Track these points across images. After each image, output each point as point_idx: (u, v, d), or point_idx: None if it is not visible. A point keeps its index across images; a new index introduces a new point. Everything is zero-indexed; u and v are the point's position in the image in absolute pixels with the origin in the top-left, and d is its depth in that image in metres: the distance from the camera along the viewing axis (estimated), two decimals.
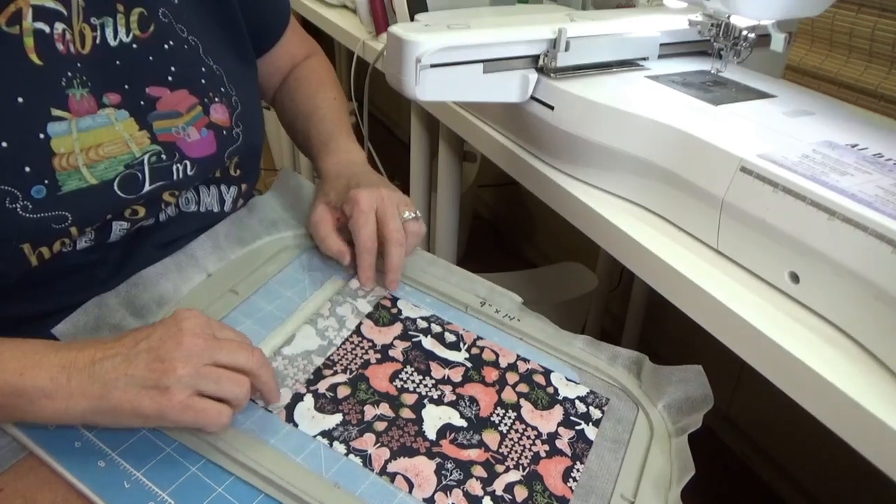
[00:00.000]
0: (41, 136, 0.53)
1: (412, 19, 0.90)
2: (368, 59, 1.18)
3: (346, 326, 0.61)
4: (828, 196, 0.50)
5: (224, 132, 0.65)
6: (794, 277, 0.53)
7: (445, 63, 0.67)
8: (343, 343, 0.60)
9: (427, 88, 0.67)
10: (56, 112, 0.54)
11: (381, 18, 1.14)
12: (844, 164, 0.55)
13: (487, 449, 0.53)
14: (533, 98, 0.72)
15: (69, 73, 0.55)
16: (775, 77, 0.77)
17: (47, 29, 0.54)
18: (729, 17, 0.69)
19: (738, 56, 0.71)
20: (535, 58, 0.72)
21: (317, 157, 0.75)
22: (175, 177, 0.61)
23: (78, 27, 0.56)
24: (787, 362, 0.49)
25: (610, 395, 0.59)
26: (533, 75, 0.71)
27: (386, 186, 0.66)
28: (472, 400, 0.56)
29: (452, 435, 0.53)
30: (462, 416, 0.55)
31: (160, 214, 0.63)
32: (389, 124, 2.66)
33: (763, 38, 0.69)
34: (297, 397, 0.54)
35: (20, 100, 0.51)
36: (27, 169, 0.52)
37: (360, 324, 0.62)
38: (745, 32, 0.69)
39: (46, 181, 0.53)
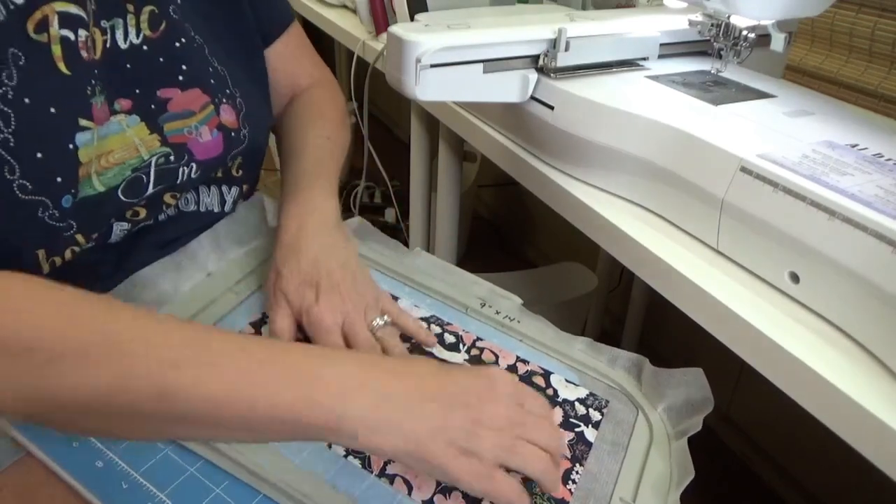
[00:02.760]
0: (70, 146, 0.52)
1: (412, 19, 0.90)
2: (368, 59, 1.18)
3: None
4: (828, 196, 0.50)
5: (232, 133, 0.64)
6: (794, 277, 0.53)
7: (445, 63, 0.67)
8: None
9: (427, 88, 0.67)
10: (83, 122, 0.53)
11: (381, 18, 1.14)
12: (844, 164, 0.54)
13: None
14: (533, 98, 0.72)
15: (93, 82, 0.54)
16: (775, 77, 0.77)
17: (72, 36, 0.53)
18: (729, 17, 0.69)
19: (738, 56, 0.71)
20: (535, 58, 0.72)
21: (281, 206, 0.66)
22: (179, 179, 0.60)
23: (90, 32, 0.55)
24: (787, 362, 0.49)
25: (610, 398, 0.59)
26: (533, 75, 0.71)
27: (352, 282, 0.59)
28: None
29: None
30: None
31: (160, 215, 0.63)
32: (389, 124, 2.66)
33: (763, 38, 0.69)
34: None
35: (52, 110, 0.51)
36: (59, 179, 0.51)
37: None
38: (745, 32, 0.69)
39: (73, 190, 0.53)
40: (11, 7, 0.49)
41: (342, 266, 0.59)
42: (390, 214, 1.96)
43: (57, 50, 0.52)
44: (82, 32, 0.54)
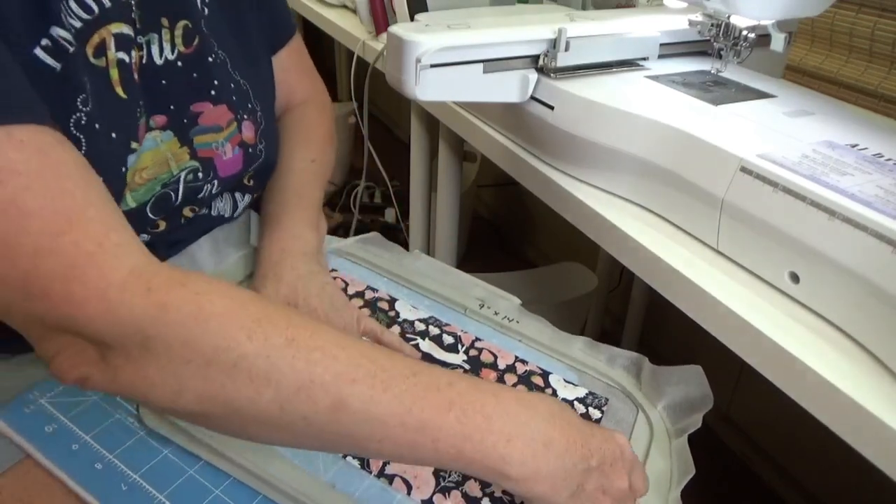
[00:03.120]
0: (123, 169, 0.52)
1: (412, 19, 0.90)
2: (368, 59, 1.18)
3: None
4: (828, 196, 0.50)
5: (250, 150, 0.64)
6: (794, 277, 0.53)
7: (445, 63, 0.67)
8: None
9: (427, 88, 0.67)
10: (133, 144, 0.53)
11: (381, 18, 1.14)
12: (844, 164, 0.54)
13: None
14: (533, 98, 0.72)
15: (140, 103, 0.54)
16: (775, 77, 0.77)
17: (127, 58, 0.53)
18: (729, 17, 0.68)
19: (738, 56, 0.71)
20: (535, 58, 0.72)
21: (263, 230, 0.67)
22: (202, 195, 0.61)
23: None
24: (787, 362, 0.49)
25: (609, 397, 0.59)
26: (533, 75, 0.71)
27: (329, 306, 0.60)
28: None
29: None
30: None
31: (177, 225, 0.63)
32: (389, 124, 2.66)
33: (763, 38, 0.69)
34: None
35: (113, 135, 0.51)
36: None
37: None
38: (745, 32, 0.69)
39: None
40: (73, 31, 0.49)
41: (319, 291, 0.60)
42: (390, 214, 1.96)
43: (115, 74, 0.52)
44: (134, 54, 0.53)
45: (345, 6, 1.39)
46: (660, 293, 0.61)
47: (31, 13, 0.45)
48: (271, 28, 0.71)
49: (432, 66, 0.66)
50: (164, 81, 0.57)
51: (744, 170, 0.55)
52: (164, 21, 0.57)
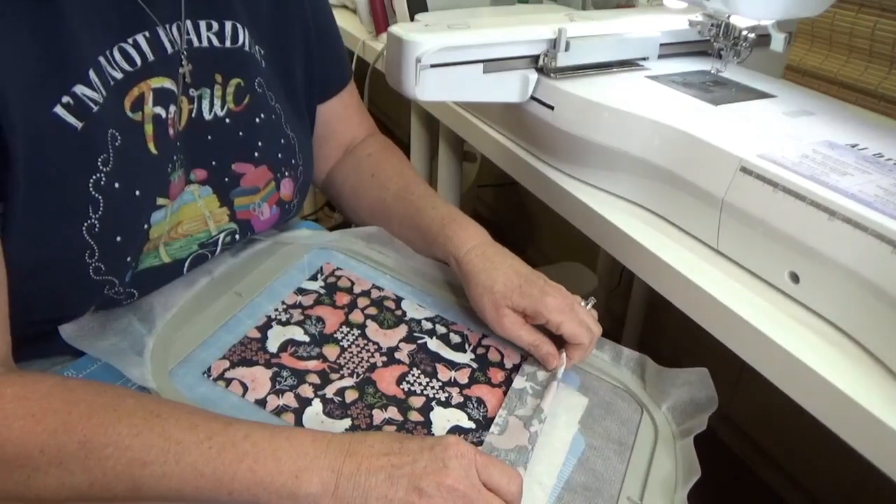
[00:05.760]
0: (146, 226, 0.52)
1: (412, 19, 0.90)
2: (368, 59, 1.18)
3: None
4: (828, 196, 0.50)
5: (286, 206, 0.65)
6: (794, 277, 0.53)
7: (445, 63, 0.67)
8: (349, 346, 0.60)
9: (427, 88, 0.67)
10: (160, 201, 0.53)
11: (381, 18, 1.14)
12: (844, 164, 0.55)
13: None
14: (533, 98, 0.72)
15: (174, 158, 0.54)
16: (775, 77, 0.77)
17: (164, 113, 0.53)
18: (729, 17, 0.69)
19: (738, 56, 0.71)
20: (535, 58, 0.72)
21: (438, 234, 0.66)
22: (236, 256, 0.62)
23: (178, 103, 0.55)
24: (787, 362, 0.49)
25: (614, 397, 0.59)
26: (533, 75, 0.71)
27: (549, 282, 0.61)
28: (480, 401, 0.56)
29: (462, 437, 0.53)
30: (470, 417, 0.54)
31: None
32: (389, 124, 2.66)
33: (763, 38, 0.69)
34: (306, 402, 0.53)
35: (137, 193, 0.51)
36: (129, 259, 0.52)
37: (365, 326, 0.62)
38: (745, 32, 0.69)
39: (134, 265, 0.53)
40: (112, 83, 0.49)
41: (537, 274, 0.62)
42: None
43: (149, 129, 0.52)
44: (172, 108, 0.53)
45: (345, 6, 1.39)
46: (660, 293, 0.61)
47: (49, 71, 0.45)
48: (326, 75, 0.70)
49: (432, 66, 0.66)
50: (209, 137, 0.58)
51: (744, 170, 0.55)
52: (218, 77, 0.57)
